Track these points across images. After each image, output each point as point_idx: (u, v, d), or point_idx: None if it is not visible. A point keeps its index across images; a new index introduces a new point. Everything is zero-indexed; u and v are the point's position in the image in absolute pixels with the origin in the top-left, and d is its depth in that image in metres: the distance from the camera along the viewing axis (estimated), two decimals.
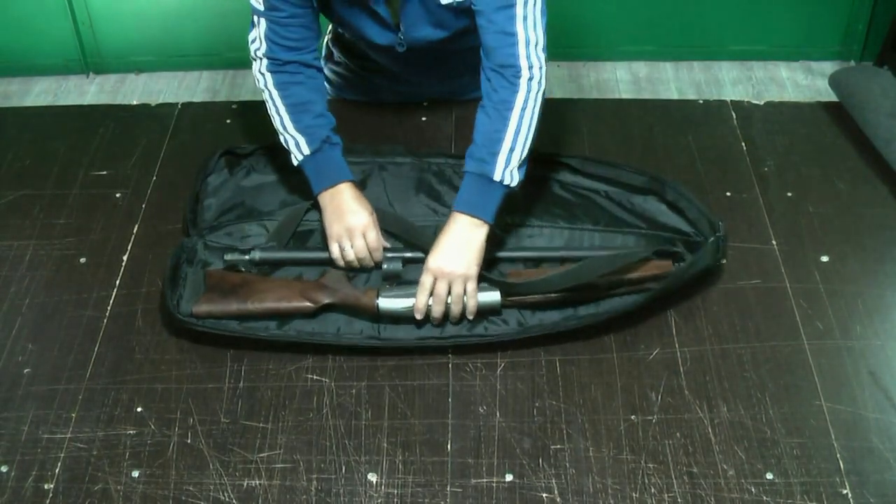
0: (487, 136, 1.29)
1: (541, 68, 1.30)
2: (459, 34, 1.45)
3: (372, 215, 1.36)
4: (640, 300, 1.27)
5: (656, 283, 1.29)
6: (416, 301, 1.26)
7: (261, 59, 1.41)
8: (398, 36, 1.45)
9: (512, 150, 1.28)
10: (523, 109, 1.29)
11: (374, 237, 1.34)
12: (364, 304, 1.27)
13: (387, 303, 1.27)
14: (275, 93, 1.41)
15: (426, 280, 1.26)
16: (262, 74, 1.42)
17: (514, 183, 1.29)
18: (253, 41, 1.42)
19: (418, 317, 1.27)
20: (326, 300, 1.28)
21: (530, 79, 1.30)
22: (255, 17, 1.40)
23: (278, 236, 1.40)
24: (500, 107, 1.30)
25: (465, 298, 1.27)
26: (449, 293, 1.26)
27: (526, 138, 1.29)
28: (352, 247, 1.33)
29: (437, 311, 1.26)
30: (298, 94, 1.40)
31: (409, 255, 1.35)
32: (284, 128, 1.40)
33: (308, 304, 1.28)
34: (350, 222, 1.34)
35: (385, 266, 1.34)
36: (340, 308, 1.29)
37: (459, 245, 1.27)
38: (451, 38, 1.46)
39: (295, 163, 1.40)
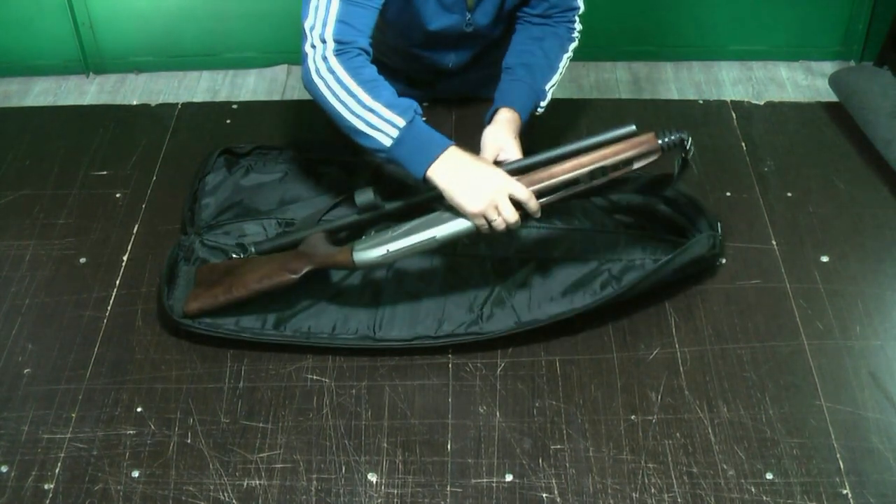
0: (547, 70, 1.46)
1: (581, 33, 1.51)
2: (506, 17, 1.51)
3: (500, 168, 1.22)
4: (637, 279, 1.27)
5: (641, 160, 1.21)
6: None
7: (324, 42, 1.26)
8: (466, 17, 1.47)
9: (553, 85, 1.48)
10: (569, 59, 1.50)
11: (518, 188, 1.18)
12: (340, 260, 1.25)
13: (361, 255, 1.23)
14: (345, 74, 1.24)
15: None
16: (325, 58, 1.26)
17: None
18: (312, 28, 1.27)
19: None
20: (306, 268, 1.26)
21: (577, 42, 1.49)
22: (319, 2, 1.28)
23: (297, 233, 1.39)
24: (558, 48, 1.48)
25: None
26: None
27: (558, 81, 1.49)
28: (499, 215, 1.18)
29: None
30: (371, 73, 1.27)
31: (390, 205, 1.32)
32: (364, 106, 1.22)
33: (290, 275, 1.26)
34: (489, 187, 1.17)
35: (358, 199, 1.30)
36: (320, 271, 1.27)
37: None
38: (505, 15, 1.50)
39: (388, 143, 1.21)
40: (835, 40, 3.12)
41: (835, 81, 1.71)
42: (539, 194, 1.20)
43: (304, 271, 1.26)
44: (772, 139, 1.62)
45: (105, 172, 1.58)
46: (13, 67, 3.18)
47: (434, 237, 1.21)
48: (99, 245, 1.44)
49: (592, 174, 1.21)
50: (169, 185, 1.54)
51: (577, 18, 1.49)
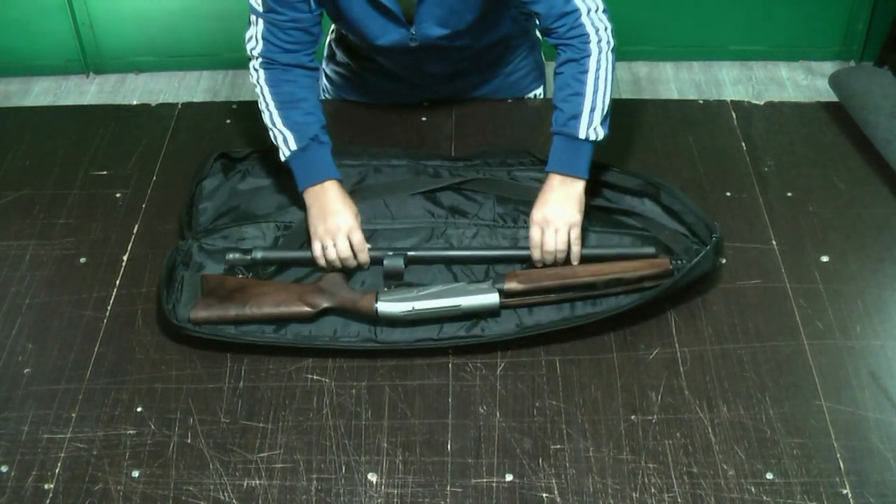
0: (568, 101, 1.36)
1: (606, 29, 1.37)
2: (470, 29, 1.46)
3: (357, 217, 1.36)
4: (638, 300, 1.27)
5: (653, 281, 1.29)
6: (532, 256, 1.34)
7: (256, 57, 1.43)
8: (410, 31, 1.45)
9: (593, 109, 1.35)
10: (597, 70, 1.36)
11: (359, 239, 1.34)
12: (363, 307, 1.27)
13: (386, 307, 1.26)
14: (266, 88, 1.42)
15: (534, 233, 1.33)
16: (256, 70, 1.44)
17: (600, 137, 1.35)
18: (249, 39, 1.43)
19: (537, 266, 1.34)
20: (325, 304, 1.28)
21: (599, 41, 1.37)
22: (253, 17, 1.41)
23: (294, 238, 1.41)
24: (575, 72, 1.36)
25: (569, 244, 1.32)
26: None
27: (604, 95, 1.36)
28: (334, 247, 1.33)
29: (548, 259, 1.33)
30: (289, 91, 1.41)
31: (411, 253, 1.35)
32: (273, 123, 1.40)
33: (307, 308, 1.28)
34: (334, 223, 1.34)
35: (386, 262, 1.34)
36: (339, 311, 1.29)
37: (559, 198, 1.33)
38: (463, 32, 1.47)
39: (282, 158, 1.40)
40: (835, 40, 3.12)
41: (835, 81, 1.71)
42: (562, 288, 1.31)
43: (321, 307, 1.28)
44: (772, 139, 1.62)
45: (105, 172, 1.58)
46: (13, 67, 3.18)
47: (459, 305, 1.27)
48: (99, 245, 1.44)
49: (608, 283, 1.30)
50: (169, 185, 1.54)
51: (583, 22, 1.36)
